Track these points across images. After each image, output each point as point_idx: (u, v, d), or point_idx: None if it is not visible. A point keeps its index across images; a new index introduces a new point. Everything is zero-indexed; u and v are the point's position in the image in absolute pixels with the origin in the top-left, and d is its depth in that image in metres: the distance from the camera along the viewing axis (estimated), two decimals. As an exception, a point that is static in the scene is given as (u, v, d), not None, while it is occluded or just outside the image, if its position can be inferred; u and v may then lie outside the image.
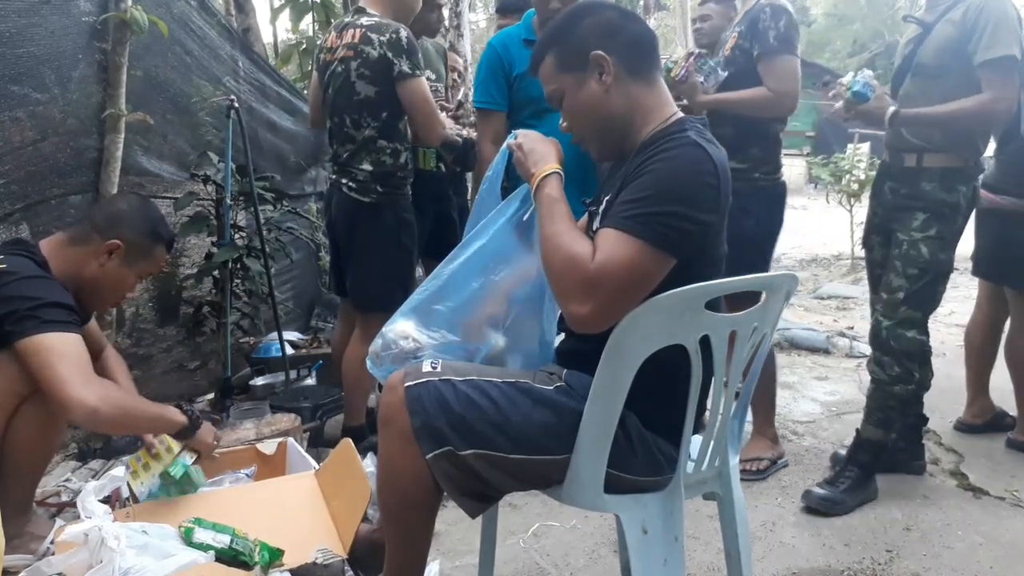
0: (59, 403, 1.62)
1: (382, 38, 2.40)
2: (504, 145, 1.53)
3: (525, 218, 1.47)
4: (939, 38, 2.24)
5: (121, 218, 1.96)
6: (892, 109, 2.21)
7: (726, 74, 2.44)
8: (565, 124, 1.45)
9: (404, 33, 2.41)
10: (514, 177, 1.55)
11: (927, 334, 2.33)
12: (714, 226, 1.27)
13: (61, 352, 1.64)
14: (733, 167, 2.42)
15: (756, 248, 2.49)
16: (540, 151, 1.43)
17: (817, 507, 2.30)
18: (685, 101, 2.51)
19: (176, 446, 1.90)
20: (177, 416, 1.87)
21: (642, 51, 1.39)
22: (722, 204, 1.28)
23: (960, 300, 5.17)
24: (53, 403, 1.64)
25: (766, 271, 2.56)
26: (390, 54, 2.40)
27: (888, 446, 2.40)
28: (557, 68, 1.40)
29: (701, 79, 2.45)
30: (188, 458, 1.88)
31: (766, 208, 2.52)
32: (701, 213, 1.23)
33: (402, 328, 1.47)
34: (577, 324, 1.24)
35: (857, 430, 2.46)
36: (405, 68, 2.39)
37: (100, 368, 2.01)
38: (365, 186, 2.48)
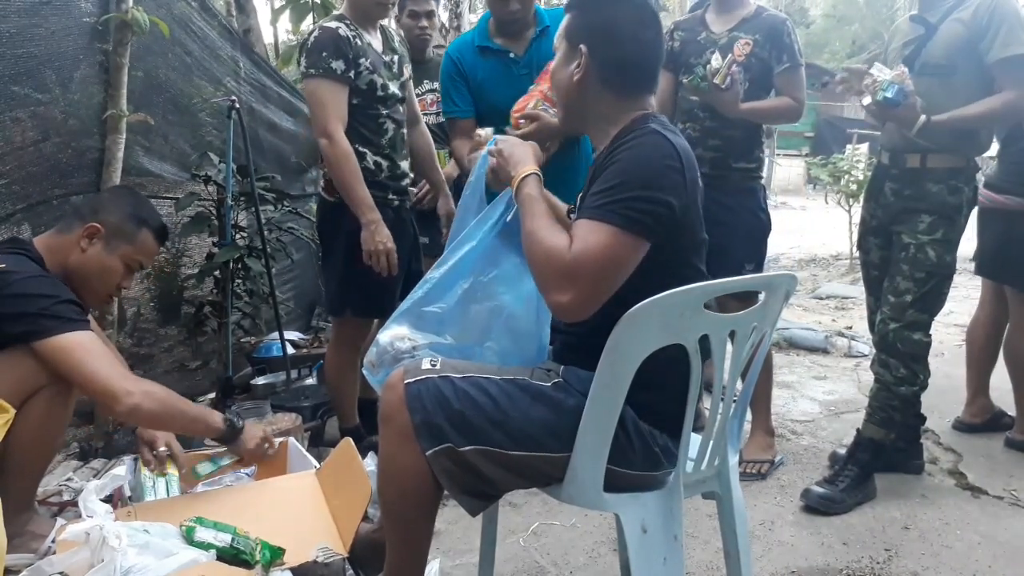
0: (105, 396, 1.68)
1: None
2: (484, 151, 1.57)
3: (509, 219, 1.49)
4: (948, 37, 2.25)
5: (102, 203, 1.98)
6: (924, 118, 2.18)
7: (747, 83, 2.46)
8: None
9: (317, 32, 2.34)
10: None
11: (930, 335, 2.35)
12: (683, 208, 1.29)
13: (93, 350, 1.69)
14: (743, 167, 2.57)
15: (764, 243, 2.70)
16: (518, 155, 1.48)
17: (816, 506, 2.30)
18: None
19: (172, 468, 1.97)
20: (216, 421, 1.91)
21: (624, 73, 1.40)
22: (688, 186, 1.30)
23: (959, 300, 5.18)
24: (96, 398, 1.71)
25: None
26: (300, 55, 2.39)
27: (888, 445, 2.42)
28: (563, 31, 1.46)
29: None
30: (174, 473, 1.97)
31: (765, 204, 2.68)
32: (667, 195, 1.27)
33: (395, 331, 1.48)
34: (561, 313, 1.29)
35: (858, 429, 2.47)
36: (302, 68, 2.35)
37: None
38: (330, 185, 2.45)
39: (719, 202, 2.47)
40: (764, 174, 2.70)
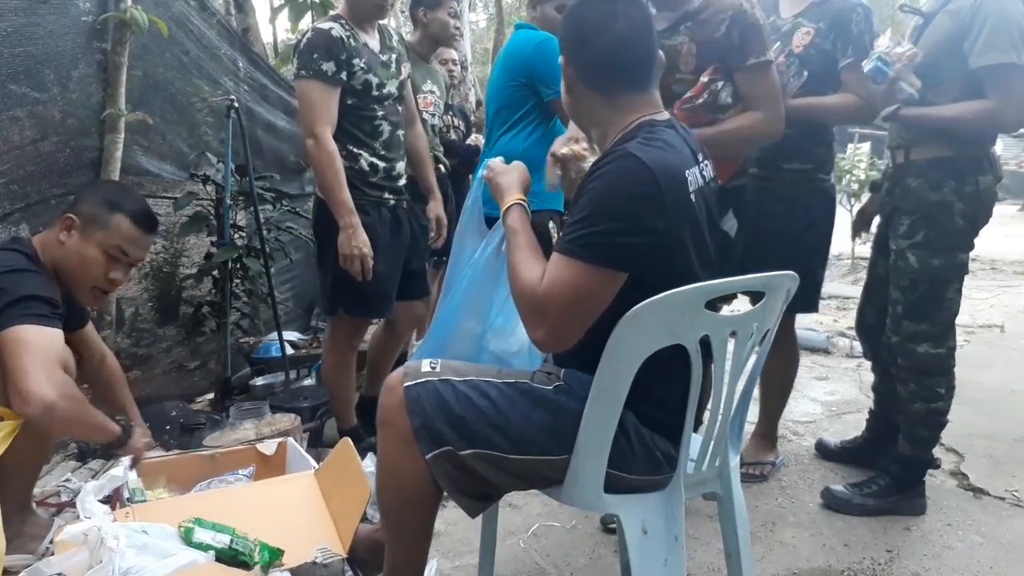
0: (16, 395, 1.56)
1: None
2: (479, 174, 1.59)
3: (503, 250, 1.52)
4: (936, 31, 2.11)
5: (80, 195, 1.98)
6: (893, 107, 2.09)
7: (806, 75, 2.23)
8: None
9: (310, 34, 2.35)
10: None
11: (947, 346, 2.18)
12: (668, 230, 1.24)
13: (29, 343, 1.60)
14: (797, 168, 2.33)
15: (820, 255, 2.45)
16: (504, 183, 1.49)
17: (828, 503, 2.30)
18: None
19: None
20: (115, 430, 1.89)
21: (601, 71, 1.36)
22: (671, 206, 1.24)
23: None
24: (11, 396, 1.58)
25: (824, 274, 2.53)
26: (294, 56, 2.39)
27: (914, 461, 2.29)
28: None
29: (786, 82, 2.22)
30: None
31: (826, 211, 2.43)
32: (642, 223, 1.22)
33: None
34: (538, 346, 1.31)
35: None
36: (294, 68, 2.36)
37: (97, 375, 2.07)
38: None
39: (763, 211, 2.33)
40: (827, 174, 2.41)
